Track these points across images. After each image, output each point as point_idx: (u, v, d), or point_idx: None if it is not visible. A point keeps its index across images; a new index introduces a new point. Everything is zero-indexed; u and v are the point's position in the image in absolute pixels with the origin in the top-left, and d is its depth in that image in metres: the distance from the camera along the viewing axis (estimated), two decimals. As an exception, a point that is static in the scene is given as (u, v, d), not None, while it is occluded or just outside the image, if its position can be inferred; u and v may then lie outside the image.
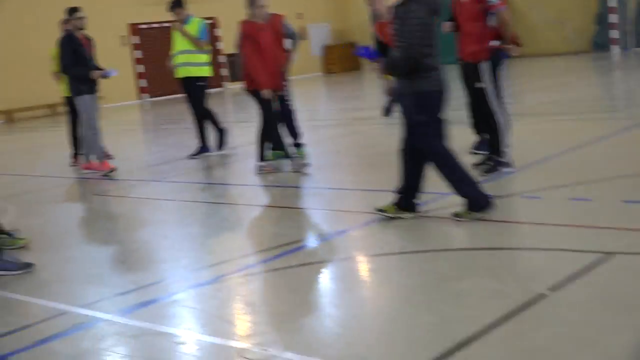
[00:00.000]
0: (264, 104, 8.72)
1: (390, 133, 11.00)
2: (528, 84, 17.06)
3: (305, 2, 28.32)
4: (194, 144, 10.84)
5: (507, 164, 7.51)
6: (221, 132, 10.66)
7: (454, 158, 5.88)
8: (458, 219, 5.83)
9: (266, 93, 8.58)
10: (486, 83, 7.44)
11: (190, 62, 10.50)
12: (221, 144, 10.69)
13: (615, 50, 23.70)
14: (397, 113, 9.21)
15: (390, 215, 6.08)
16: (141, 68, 24.86)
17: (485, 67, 7.41)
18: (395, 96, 9.20)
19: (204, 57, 10.61)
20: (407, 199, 6.11)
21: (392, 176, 8.17)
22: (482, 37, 7.38)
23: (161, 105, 22.67)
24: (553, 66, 20.70)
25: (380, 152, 9.37)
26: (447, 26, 8.14)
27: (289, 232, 6.26)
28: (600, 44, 24.37)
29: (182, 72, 10.55)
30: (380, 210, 6.13)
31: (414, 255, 5.26)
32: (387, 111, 9.35)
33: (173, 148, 12.18)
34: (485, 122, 7.71)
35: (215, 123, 10.65)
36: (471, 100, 7.92)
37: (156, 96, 24.87)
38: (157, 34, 24.56)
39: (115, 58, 21.60)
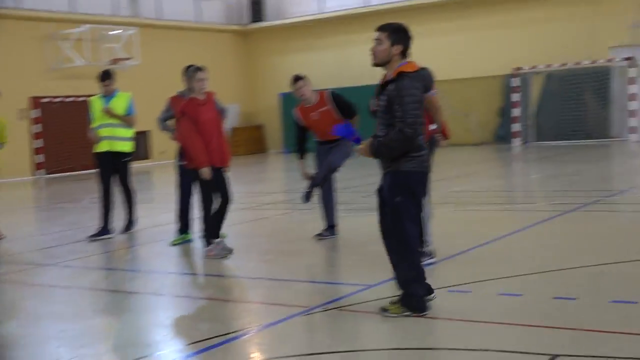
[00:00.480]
0: (204, 184, 8.28)
1: (300, 220, 10.73)
2: (436, 173, 17.05)
3: (214, 82, 28.03)
4: (95, 224, 10.16)
5: (429, 254, 7.23)
6: (131, 213, 10.09)
7: (419, 254, 5.60)
8: (387, 314, 5.42)
9: (205, 172, 8.14)
10: None
11: (115, 136, 10.01)
12: (129, 225, 10.10)
13: (516, 142, 24.33)
14: (315, 198, 8.99)
15: (394, 315, 5.42)
16: (39, 143, 23.91)
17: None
18: (314, 181, 8.93)
19: (129, 132, 10.13)
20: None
21: (307, 265, 7.91)
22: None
23: (58, 182, 21.70)
24: (458, 157, 20.98)
25: (292, 239, 8.99)
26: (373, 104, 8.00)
27: (203, 327, 5.70)
28: (502, 137, 25.04)
29: (104, 146, 10.00)
30: (384, 310, 5.49)
31: (334, 357, 4.77)
32: (307, 197, 8.99)
33: (71, 228, 11.40)
34: None
35: (132, 203, 10.10)
36: None
37: (53, 172, 23.90)
38: (59, 108, 23.79)
39: (11, 132, 20.59)
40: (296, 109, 9.01)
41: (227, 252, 8.18)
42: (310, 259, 8.17)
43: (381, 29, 5.42)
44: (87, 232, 10.15)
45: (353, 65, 28.41)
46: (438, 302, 5.66)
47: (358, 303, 5.87)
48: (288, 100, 28.16)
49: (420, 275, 5.47)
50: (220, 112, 8.50)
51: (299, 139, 9.05)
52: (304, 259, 8.09)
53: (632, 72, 22.43)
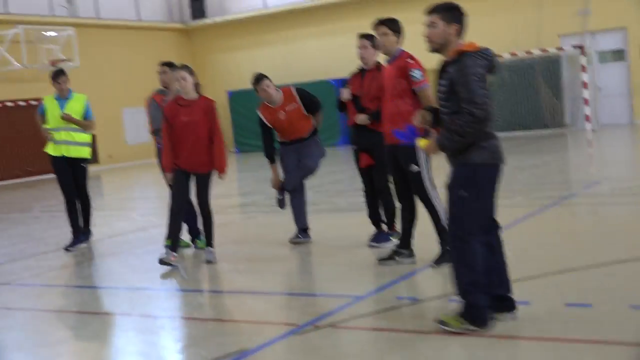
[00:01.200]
0: (171, 189, 7.84)
1: (267, 223, 10.19)
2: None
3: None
4: (50, 235, 9.47)
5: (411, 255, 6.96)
6: (88, 223, 9.48)
7: (482, 259, 4.82)
8: (447, 328, 4.81)
9: (168, 177, 7.79)
10: (422, 166, 6.74)
11: (72, 140, 9.36)
12: (85, 236, 9.47)
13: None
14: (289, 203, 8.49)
15: (454, 329, 4.80)
16: (-20, 150, 22.90)
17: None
18: (287, 187, 8.43)
19: (87, 137, 9.50)
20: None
21: (285, 273, 7.40)
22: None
23: (3, 191, 20.70)
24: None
25: (263, 245, 8.47)
26: (345, 93, 7.64)
27: (181, 354, 5.14)
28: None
29: (60, 151, 9.32)
30: (442, 323, 4.88)
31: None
32: (282, 203, 8.50)
33: (22, 241, 10.64)
34: (407, 209, 7.02)
35: (89, 212, 9.47)
36: (399, 185, 7.05)
37: (-4, 180, 22.90)
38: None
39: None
40: (260, 110, 8.47)
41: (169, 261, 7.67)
42: (287, 267, 7.67)
43: (432, 11, 4.91)
44: (40, 245, 9.46)
45: (301, 60, 27.95)
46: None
47: (352, 318, 5.38)
48: (236, 99, 27.54)
49: (480, 281, 4.81)
50: (211, 117, 7.81)
51: (267, 143, 8.52)
52: (279, 267, 7.58)
53: (582, 60, 22.40)
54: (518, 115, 23.67)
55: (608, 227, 8.02)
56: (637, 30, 22.50)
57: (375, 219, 8.00)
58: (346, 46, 26.49)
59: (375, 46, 7.58)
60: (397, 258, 6.98)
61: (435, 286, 6.27)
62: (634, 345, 4.36)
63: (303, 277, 7.38)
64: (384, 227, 7.97)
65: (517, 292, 5.66)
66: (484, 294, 4.78)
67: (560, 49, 23.15)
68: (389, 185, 7.74)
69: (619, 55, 23.59)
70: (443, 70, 4.88)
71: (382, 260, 7.03)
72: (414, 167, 6.71)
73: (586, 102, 22.36)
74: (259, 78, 8.34)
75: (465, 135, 4.69)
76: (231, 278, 7.39)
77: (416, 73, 6.71)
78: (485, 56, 4.78)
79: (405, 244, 7.03)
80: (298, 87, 8.54)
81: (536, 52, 23.21)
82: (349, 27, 27.09)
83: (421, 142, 5.06)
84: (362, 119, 7.53)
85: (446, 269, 6.56)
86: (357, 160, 7.90)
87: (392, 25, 6.93)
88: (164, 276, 7.49)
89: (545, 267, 6.30)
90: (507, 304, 4.95)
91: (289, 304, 6.26)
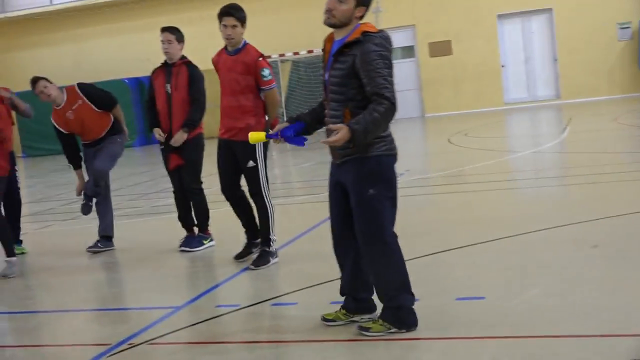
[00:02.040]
0: None
1: (65, 233, 9.45)
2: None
3: None
4: None
5: (275, 254, 6.62)
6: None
7: (402, 256, 4.47)
8: (368, 334, 4.43)
9: None
10: (259, 162, 6.49)
11: None
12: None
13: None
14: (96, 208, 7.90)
15: (377, 335, 4.40)
16: None
17: (260, 145, 6.49)
18: (87, 192, 7.85)
19: None
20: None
21: (90, 286, 6.78)
22: (257, 111, 6.49)
23: None
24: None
25: (61, 256, 7.80)
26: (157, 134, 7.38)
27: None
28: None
29: None
30: (363, 329, 4.47)
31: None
32: (85, 209, 7.86)
33: None
34: (240, 205, 6.79)
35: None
36: (230, 182, 6.74)
37: None
38: None
39: None
40: (52, 116, 7.88)
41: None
42: (92, 279, 7.05)
43: None
44: None
45: (92, 60, 26.76)
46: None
47: (171, 332, 4.95)
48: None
49: (407, 281, 4.45)
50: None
51: (66, 148, 7.94)
52: (84, 279, 6.96)
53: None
54: (316, 112, 23.99)
55: (416, 219, 8.09)
56: (425, 28, 23.48)
57: (186, 222, 7.61)
58: (140, 44, 25.70)
59: (179, 39, 7.22)
60: (253, 250, 6.80)
61: (255, 290, 5.97)
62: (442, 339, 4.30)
63: (112, 290, 6.81)
64: (196, 230, 7.59)
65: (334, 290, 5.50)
66: (410, 293, 4.46)
67: (354, 46, 23.68)
68: (201, 187, 7.41)
69: (408, 51, 24.52)
70: (340, 52, 4.33)
71: (238, 256, 6.81)
72: (251, 163, 6.50)
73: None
74: (34, 81, 7.86)
75: (381, 125, 4.17)
76: (29, 295, 6.68)
77: (266, 72, 6.46)
78: (387, 40, 4.30)
79: (256, 235, 6.81)
80: (82, 83, 7.98)
81: (331, 49, 23.59)
82: (143, 25, 26.26)
83: (254, 136, 4.63)
84: (178, 139, 7.17)
85: (266, 271, 6.33)
86: (166, 161, 7.48)
87: (241, 15, 6.55)
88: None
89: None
90: (368, 305, 4.71)
91: (99, 320, 5.70)
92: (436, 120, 23.32)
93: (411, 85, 24.43)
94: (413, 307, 4.45)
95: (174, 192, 7.60)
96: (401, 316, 4.41)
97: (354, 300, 4.67)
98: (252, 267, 6.43)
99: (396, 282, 4.40)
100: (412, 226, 7.67)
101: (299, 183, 12.26)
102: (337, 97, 4.36)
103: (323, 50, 4.56)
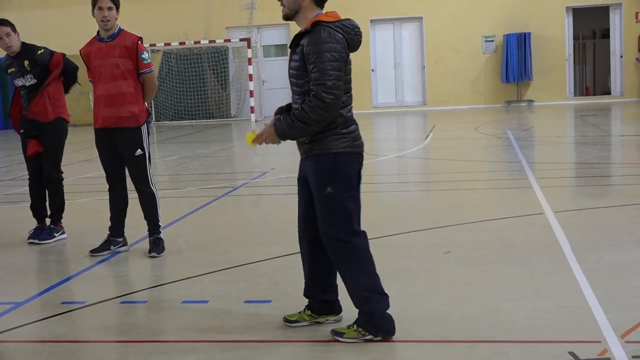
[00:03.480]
0: None
1: None
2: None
3: None
4: None
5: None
6: None
7: (370, 257, 4.26)
8: (342, 339, 4.22)
9: None
10: (145, 149, 6.37)
11: None
12: None
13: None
14: None
15: (351, 341, 4.18)
16: None
17: (144, 132, 6.35)
18: None
19: None
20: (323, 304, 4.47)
21: None
22: (138, 97, 6.31)
23: None
24: (83, 137, 19.64)
25: None
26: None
27: None
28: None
29: None
30: (336, 333, 4.25)
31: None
32: None
33: None
34: (121, 199, 6.60)
35: None
36: (112, 171, 6.54)
37: None
38: None
39: None
40: None
41: None
42: None
43: None
44: None
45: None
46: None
47: (10, 330, 4.68)
48: None
49: (377, 282, 4.24)
50: None
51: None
52: None
53: (249, 53, 22.93)
54: (185, 105, 23.63)
55: (277, 218, 8.05)
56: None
57: (39, 212, 7.26)
58: None
59: (15, 30, 6.99)
60: (112, 247, 6.55)
61: (105, 286, 5.74)
62: (315, 342, 4.27)
63: None
64: (48, 221, 7.25)
65: (196, 291, 5.39)
66: (383, 295, 4.25)
67: (227, 41, 23.48)
68: (61, 176, 7.11)
69: (281, 50, 24.55)
70: (296, 43, 4.17)
71: (95, 250, 6.50)
72: (139, 151, 6.34)
73: (251, 93, 22.95)
74: None
75: (309, 123, 4.02)
76: None
77: (146, 55, 6.34)
78: (345, 29, 4.10)
79: (119, 232, 6.60)
80: None
81: (204, 43, 23.31)
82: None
83: (249, 136, 4.31)
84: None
85: (117, 267, 6.11)
86: (25, 146, 7.12)
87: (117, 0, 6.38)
88: None
89: (221, 261, 6.08)
90: (332, 307, 4.53)
91: None
92: (306, 120, 23.47)
93: (283, 84, 24.47)
94: (388, 311, 4.24)
95: (29, 179, 7.25)
96: (375, 322, 4.20)
97: (317, 301, 4.49)
98: (154, 254, 6.33)
99: (364, 284, 4.21)
100: (274, 225, 7.64)
101: (163, 177, 11.96)
102: (296, 89, 4.19)
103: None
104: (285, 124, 4.08)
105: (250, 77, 22.93)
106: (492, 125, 18.27)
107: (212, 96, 23.88)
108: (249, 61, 22.90)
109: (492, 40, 24.15)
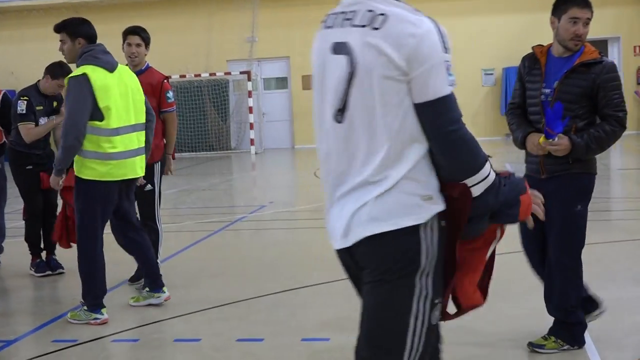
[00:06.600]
0: None
1: None
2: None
3: None
4: None
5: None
6: None
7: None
8: (541, 350, 4.46)
9: None
10: (157, 186, 6.43)
11: None
12: None
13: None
14: None
15: (551, 351, 4.46)
16: None
17: (158, 168, 6.41)
18: None
19: None
20: None
21: None
22: (158, 133, 6.27)
23: None
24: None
25: None
26: None
27: None
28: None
29: None
30: (537, 346, 4.49)
31: None
32: None
33: None
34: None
35: None
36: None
37: None
38: None
39: None
40: None
41: None
42: None
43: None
44: None
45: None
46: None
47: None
48: None
49: (581, 299, 4.54)
50: None
51: None
52: None
53: (249, 86, 23.03)
54: (186, 137, 23.66)
55: (274, 254, 8.01)
56: (299, 61, 23.67)
57: (40, 245, 7.30)
58: (3, 57, 24.68)
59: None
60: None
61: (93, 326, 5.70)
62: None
63: None
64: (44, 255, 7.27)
65: (188, 328, 5.37)
66: (581, 310, 4.53)
67: (228, 73, 23.59)
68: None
69: (282, 82, 24.65)
70: (574, 70, 4.29)
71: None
72: (149, 186, 6.34)
73: (251, 126, 23.02)
74: None
75: (602, 147, 4.32)
76: None
77: (170, 94, 6.41)
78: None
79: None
80: None
81: (205, 75, 23.43)
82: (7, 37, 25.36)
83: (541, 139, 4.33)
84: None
85: (108, 302, 6.08)
86: (37, 181, 7.04)
87: (146, 36, 6.43)
88: None
89: (214, 298, 6.04)
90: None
91: None
92: (305, 152, 23.45)
93: (283, 116, 24.54)
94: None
95: (31, 213, 7.21)
96: (575, 333, 4.46)
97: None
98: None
99: (576, 298, 4.45)
100: (269, 262, 7.60)
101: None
102: (569, 113, 4.29)
103: (527, 65, 4.53)
104: (586, 144, 4.24)
105: (250, 110, 22.99)
106: (492, 158, 18.23)
107: (212, 128, 23.92)
108: (249, 94, 22.99)
109: (492, 74, 24.27)
